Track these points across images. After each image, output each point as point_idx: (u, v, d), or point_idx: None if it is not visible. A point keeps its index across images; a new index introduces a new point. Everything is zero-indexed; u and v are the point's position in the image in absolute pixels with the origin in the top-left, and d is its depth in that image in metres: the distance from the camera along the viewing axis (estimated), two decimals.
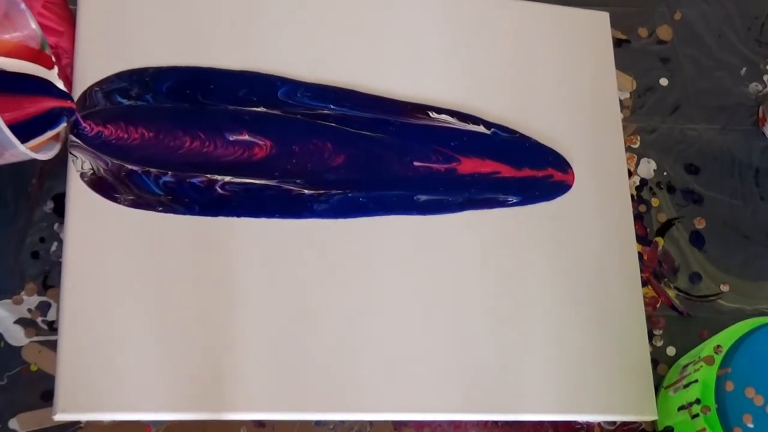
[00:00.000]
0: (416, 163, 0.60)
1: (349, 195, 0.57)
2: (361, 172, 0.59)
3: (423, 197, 0.59)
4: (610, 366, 0.57)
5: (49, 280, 0.54)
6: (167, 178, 0.55)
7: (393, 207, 0.58)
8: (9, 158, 0.50)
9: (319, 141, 0.59)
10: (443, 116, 0.61)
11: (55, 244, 0.55)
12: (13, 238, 0.55)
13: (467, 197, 0.59)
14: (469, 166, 0.60)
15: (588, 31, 0.65)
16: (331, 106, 0.59)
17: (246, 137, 0.58)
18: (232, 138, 0.57)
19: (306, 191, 0.57)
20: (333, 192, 0.57)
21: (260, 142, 0.58)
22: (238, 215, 0.55)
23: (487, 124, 0.61)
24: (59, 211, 0.55)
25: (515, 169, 0.61)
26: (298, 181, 0.57)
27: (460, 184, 0.60)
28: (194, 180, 0.56)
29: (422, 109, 0.61)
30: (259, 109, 0.58)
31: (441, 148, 0.60)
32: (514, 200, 0.60)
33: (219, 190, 0.56)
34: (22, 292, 0.54)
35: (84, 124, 0.54)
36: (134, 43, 0.57)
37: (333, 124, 0.59)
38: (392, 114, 0.60)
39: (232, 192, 0.56)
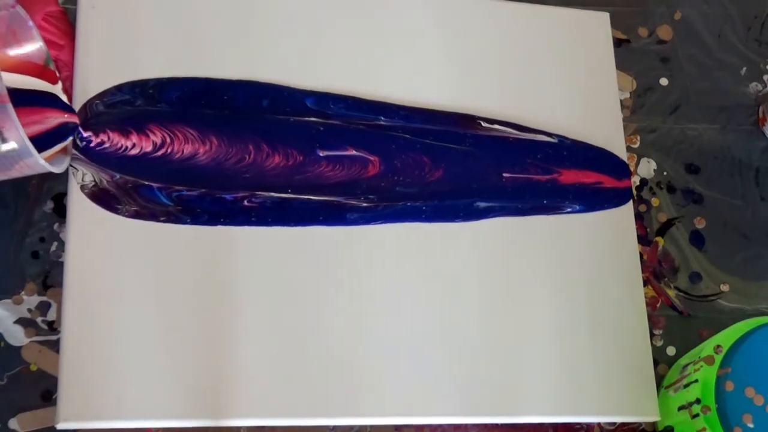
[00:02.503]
0: (506, 175, 0.59)
1: (409, 204, 0.57)
2: (456, 186, 0.58)
3: (483, 204, 0.58)
4: (612, 367, 0.57)
5: (49, 280, 0.54)
6: (187, 192, 0.55)
7: (449, 214, 0.58)
8: (23, 169, 0.50)
9: (415, 155, 0.58)
10: (496, 126, 0.61)
11: (55, 244, 0.55)
12: (13, 238, 0.55)
13: (541, 205, 0.60)
14: (570, 176, 0.61)
15: (588, 32, 0.65)
16: (382, 118, 0.59)
17: (353, 152, 0.57)
18: (323, 154, 0.56)
19: (365, 204, 0.56)
20: (398, 204, 0.57)
21: (371, 158, 0.57)
22: (251, 225, 0.55)
23: (546, 133, 0.62)
24: (59, 211, 0.55)
25: (616, 179, 0.62)
26: (371, 196, 0.57)
27: (559, 194, 0.60)
28: (225, 195, 0.55)
29: (472, 119, 0.60)
30: (315, 119, 0.57)
31: (533, 160, 0.60)
32: (577, 208, 0.60)
33: (246, 203, 0.55)
34: (22, 292, 0.54)
35: (85, 134, 0.54)
36: (134, 55, 0.57)
37: (408, 136, 0.58)
38: (446, 125, 0.60)
39: (259, 204, 0.55)
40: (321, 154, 0.56)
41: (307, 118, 0.58)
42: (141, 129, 0.55)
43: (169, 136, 0.56)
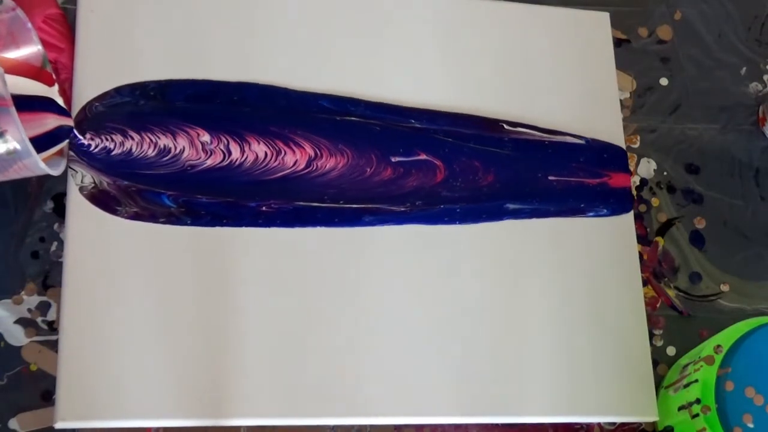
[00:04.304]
0: (552, 178, 0.59)
1: (443, 207, 0.57)
2: (507, 190, 0.58)
3: (512, 206, 0.58)
4: (611, 368, 0.57)
5: (49, 280, 0.54)
6: (206, 201, 0.54)
7: (475, 217, 0.58)
8: (21, 171, 0.50)
9: (467, 159, 0.58)
10: (519, 129, 0.60)
11: (55, 244, 0.55)
12: (13, 238, 0.55)
13: (578, 208, 0.59)
14: (620, 180, 0.61)
15: (588, 32, 0.65)
16: (412, 121, 0.58)
17: (424, 157, 0.55)
18: (395, 160, 0.54)
19: (402, 209, 0.55)
20: (435, 208, 0.56)
21: (437, 163, 0.55)
22: (256, 226, 0.55)
23: (571, 134, 0.62)
24: (59, 211, 0.55)
25: None
26: (418, 203, 0.56)
27: (602, 197, 0.60)
28: (251, 203, 0.55)
29: (494, 122, 0.60)
30: (354, 119, 0.56)
31: (578, 164, 0.60)
32: (604, 212, 0.60)
33: (264, 209, 0.55)
34: (22, 292, 0.54)
35: (83, 137, 0.54)
36: (133, 58, 0.57)
37: (451, 140, 0.58)
38: (472, 128, 0.60)
39: (276, 209, 0.55)
40: (393, 160, 0.56)
41: (350, 118, 0.57)
42: (146, 131, 0.55)
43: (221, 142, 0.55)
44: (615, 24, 0.66)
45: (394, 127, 0.57)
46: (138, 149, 0.55)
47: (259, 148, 0.54)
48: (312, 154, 0.55)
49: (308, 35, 0.60)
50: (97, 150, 0.54)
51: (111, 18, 0.57)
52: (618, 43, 0.66)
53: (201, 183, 0.54)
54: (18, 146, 0.48)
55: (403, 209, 0.56)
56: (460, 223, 0.57)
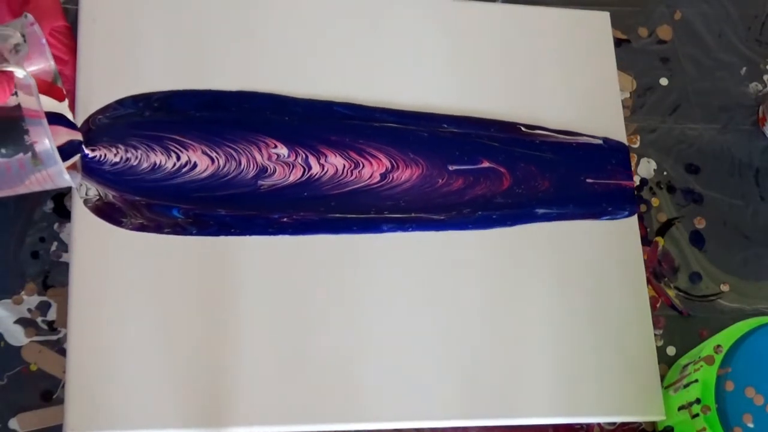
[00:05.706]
0: (589, 180, 0.59)
1: (480, 214, 0.56)
2: (558, 195, 0.58)
3: (542, 210, 0.58)
4: (617, 368, 0.57)
5: (49, 280, 0.54)
6: (225, 214, 0.54)
7: (506, 222, 0.57)
8: (43, 181, 0.50)
9: (525, 165, 0.57)
10: (537, 131, 0.60)
11: (55, 244, 0.55)
12: (13, 238, 0.55)
13: (605, 211, 0.59)
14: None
15: (589, 32, 0.65)
16: (444, 126, 0.58)
17: (487, 165, 0.54)
18: (453, 168, 0.53)
19: (441, 217, 0.55)
20: (477, 214, 0.56)
21: (501, 170, 0.55)
22: (266, 235, 0.55)
23: (590, 136, 0.62)
24: (59, 211, 0.55)
25: None
26: (465, 210, 0.55)
27: (631, 199, 0.60)
28: (274, 215, 0.54)
29: (512, 125, 0.60)
30: (390, 125, 0.55)
31: (612, 166, 0.60)
32: (625, 213, 0.60)
33: (285, 220, 0.54)
34: (22, 292, 0.54)
35: (87, 151, 0.54)
36: (135, 69, 0.57)
37: (497, 145, 0.57)
38: (505, 132, 0.59)
39: (295, 220, 0.54)
40: (452, 168, 0.55)
41: (390, 125, 0.56)
42: (160, 145, 0.55)
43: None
44: (615, 24, 0.66)
45: (439, 133, 0.56)
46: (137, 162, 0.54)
47: (336, 161, 0.53)
48: (389, 165, 0.54)
49: (311, 43, 0.60)
50: (99, 163, 0.54)
51: (113, 28, 0.57)
52: (618, 43, 0.66)
53: (272, 201, 0.53)
54: (46, 156, 0.48)
55: (442, 217, 0.56)
56: (478, 228, 0.57)
